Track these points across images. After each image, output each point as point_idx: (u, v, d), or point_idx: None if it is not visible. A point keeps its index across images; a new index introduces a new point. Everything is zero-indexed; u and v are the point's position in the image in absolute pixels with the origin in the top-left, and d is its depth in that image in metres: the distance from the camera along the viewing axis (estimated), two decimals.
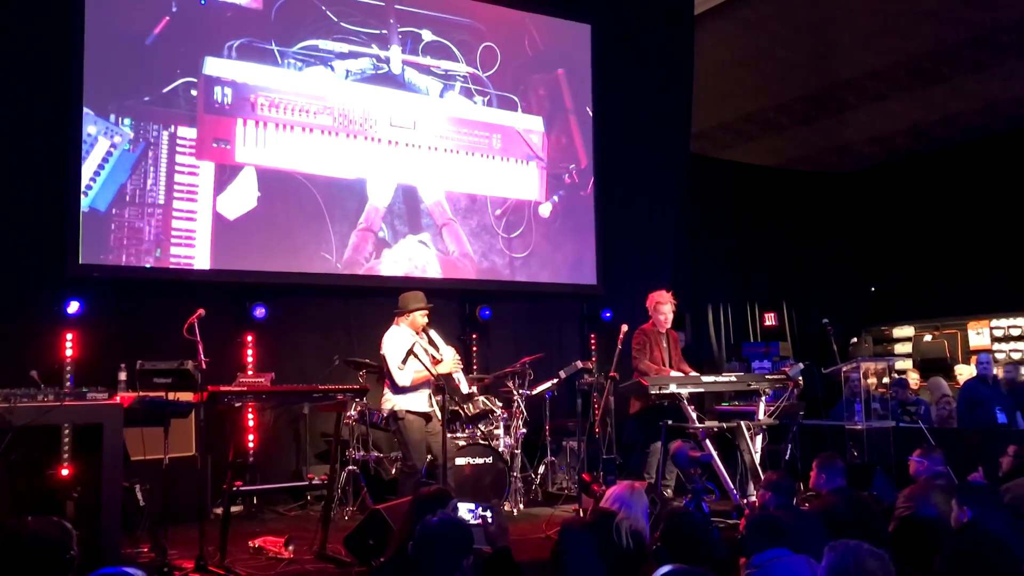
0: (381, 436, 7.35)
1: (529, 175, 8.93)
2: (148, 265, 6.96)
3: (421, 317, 6.13)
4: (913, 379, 10.19)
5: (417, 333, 6.09)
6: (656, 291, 7.29)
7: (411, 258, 8.17)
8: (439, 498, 3.76)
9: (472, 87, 8.66)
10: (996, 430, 7.87)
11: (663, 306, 7.07)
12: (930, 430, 7.65)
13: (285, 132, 7.60)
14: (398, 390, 5.93)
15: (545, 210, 8.99)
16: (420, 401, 5.99)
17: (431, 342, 6.18)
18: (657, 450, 6.79)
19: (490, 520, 3.74)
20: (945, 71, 9.77)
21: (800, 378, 6.93)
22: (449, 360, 6.10)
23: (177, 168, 7.15)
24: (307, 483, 6.84)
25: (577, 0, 9.41)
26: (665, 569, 2.72)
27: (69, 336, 6.60)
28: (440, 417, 5.73)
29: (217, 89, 7.36)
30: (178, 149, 7.16)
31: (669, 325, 7.14)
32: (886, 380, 8.29)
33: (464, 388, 6.54)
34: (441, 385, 5.65)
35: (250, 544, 5.38)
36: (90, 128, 6.80)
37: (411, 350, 5.78)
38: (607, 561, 3.89)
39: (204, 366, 4.88)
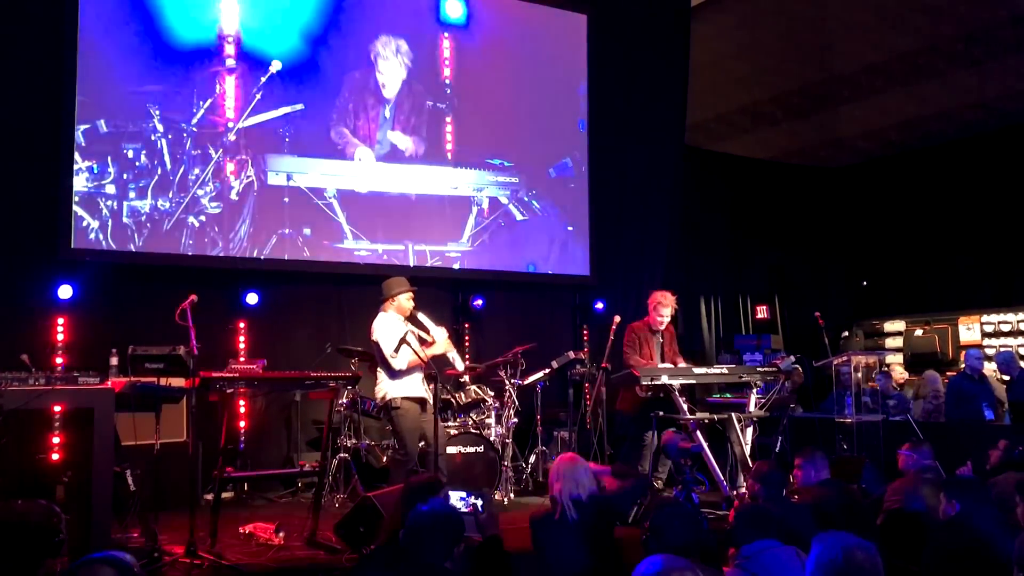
0: (372, 424, 7.35)
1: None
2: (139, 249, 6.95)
3: (407, 301, 6.08)
4: (898, 373, 10.25)
5: (405, 317, 6.07)
6: (661, 291, 7.20)
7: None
8: (430, 486, 3.77)
9: None
10: (984, 424, 7.92)
11: (664, 308, 6.99)
12: (918, 424, 7.70)
13: None
14: (394, 375, 5.89)
15: (540, 200, 8.97)
16: (415, 386, 5.96)
17: (420, 325, 6.16)
18: (650, 441, 6.80)
19: (481, 509, 3.75)
20: (940, 66, 9.78)
21: (797, 368, 6.94)
22: (441, 341, 6.13)
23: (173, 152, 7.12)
24: (298, 470, 6.84)
25: None
26: (653, 559, 2.73)
27: (60, 320, 6.58)
28: (434, 404, 5.72)
29: None
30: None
31: (663, 328, 7.11)
32: (875, 374, 8.34)
33: (459, 365, 6.49)
34: (433, 373, 5.63)
35: (240, 530, 5.38)
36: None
37: (404, 339, 5.77)
38: (583, 541, 3.93)
39: (196, 352, 4.87)
